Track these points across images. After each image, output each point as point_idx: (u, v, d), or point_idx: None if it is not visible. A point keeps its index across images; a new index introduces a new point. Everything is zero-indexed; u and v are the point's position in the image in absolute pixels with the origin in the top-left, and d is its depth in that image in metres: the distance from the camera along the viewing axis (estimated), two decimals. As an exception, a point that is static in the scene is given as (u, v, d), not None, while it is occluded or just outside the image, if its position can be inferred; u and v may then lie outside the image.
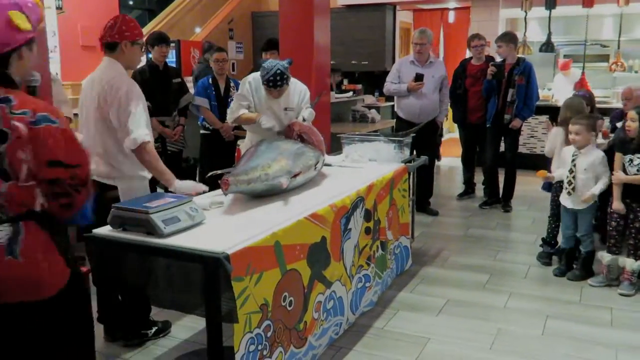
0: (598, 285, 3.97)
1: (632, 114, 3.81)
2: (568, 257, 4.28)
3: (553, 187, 4.49)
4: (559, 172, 4.24)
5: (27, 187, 1.86)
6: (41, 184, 1.86)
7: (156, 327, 3.30)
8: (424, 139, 5.26)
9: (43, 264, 1.91)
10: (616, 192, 3.91)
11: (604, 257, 3.98)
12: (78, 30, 6.55)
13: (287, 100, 3.74)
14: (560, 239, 4.43)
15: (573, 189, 4.08)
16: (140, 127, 2.86)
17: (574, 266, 4.24)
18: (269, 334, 2.49)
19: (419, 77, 5.52)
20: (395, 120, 6.06)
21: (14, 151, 1.83)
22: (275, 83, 3.49)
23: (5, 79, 1.89)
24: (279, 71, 3.45)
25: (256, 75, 3.73)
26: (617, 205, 3.90)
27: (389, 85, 5.76)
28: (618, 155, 3.92)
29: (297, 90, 3.80)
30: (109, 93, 2.88)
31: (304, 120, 3.70)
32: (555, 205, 4.45)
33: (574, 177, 4.08)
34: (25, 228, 1.88)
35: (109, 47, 2.98)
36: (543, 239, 4.65)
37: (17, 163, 1.84)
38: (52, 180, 1.86)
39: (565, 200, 4.19)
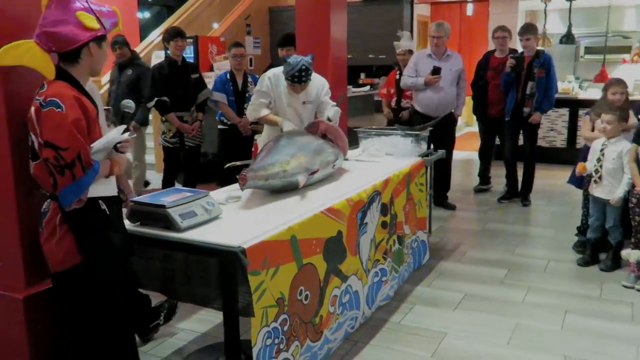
0: (631, 285, 3.85)
1: None
2: (593, 248, 4.25)
3: (585, 178, 4.45)
4: (591, 164, 4.22)
5: (41, 166, 2.11)
6: (44, 163, 2.08)
7: (164, 312, 3.27)
8: (441, 133, 5.23)
9: (51, 240, 2.17)
10: (637, 181, 3.85)
11: (631, 254, 3.90)
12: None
13: (306, 94, 3.76)
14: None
15: (599, 177, 4.07)
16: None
17: (604, 256, 4.22)
18: (285, 328, 2.51)
19: (436, 71, 5.48)
20: (411, 113, 6.03)
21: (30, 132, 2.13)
22: (301, 79, 3.52)
23: (59, 72, 2.14)
24: (304, 67, 3.48)
25: (276, 71, 3.76)
26: None
27: (406, 79, 5.73)
28: (634, 147, 3.87)
29: (316, 83, 3.81)
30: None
31: (329, 119, 3.69)
32: (588, 195, 4.43)
33: (601, 166, 4.07)
34: (52, 205, 2.16)
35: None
36: (578, 228, 4.64)
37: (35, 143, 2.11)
38: (45, 159, 2.07)
39: (593, 189, 4.17)
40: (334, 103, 3.89)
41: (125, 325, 2.38)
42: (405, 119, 5.89)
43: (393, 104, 6.14)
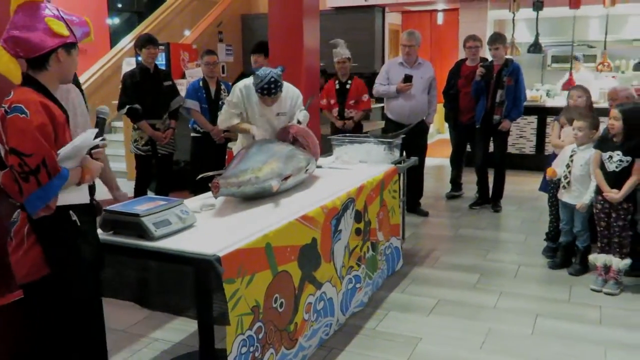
0: (599, 289, 3.93)
1: (614, 112, 3.85)
2: (564, 251, 4.36)
3: (551, 185, 4.55)
4: (560, 169, 4.32)
5: (8, 174, 2.05)
6: (10, 171, 2.04)
7: None
8: (413, 140, 5.29)
9: (18, 250, 2.12)
10: (605, 186, 3.92)
11: (598, 258, 4.00)
12: (67, 34, 6.52)
13: (280, 106, 3.72)
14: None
15: (568, 183, 4.17)
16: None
17: (573, 260, 4.32)
18: (260, 336, 2.50)
19: (407, 78, 5.55)
20: (384, 121, 6.09)
21: None
22: (270, 91, 3.47)
23: (26, 78, 2.12)
24: (272, 79, 3.43)
25: (247, 82, 3.70)
26: (612, 195, 3.85)
27: (378, 87, 5.79)
28: (597, 153, 3.97)
29: (289, 94, 3.79)
30: None
31: (299, 122, 3.70)
32: (555, 201, 4.54)
33: (569, 172, 4.16)
34: (21, 214, 2.12)
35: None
36: (547, 234, 4.73)
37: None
38: (10, 167, 2.02)
39: (562, 195, 4.27)
40: (303, 107, 3.90)
41: (94, 338, 2.33)
42: (349, 129, 5.83)
43: (335, 113, 6.03)
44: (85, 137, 2.15)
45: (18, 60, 2.09)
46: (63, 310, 2.17)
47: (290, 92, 3.80)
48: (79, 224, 2.17)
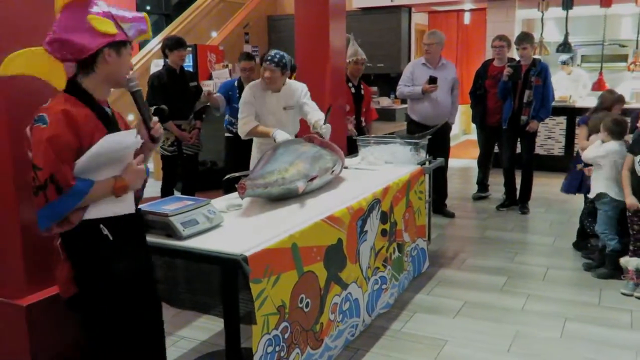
0: (630, 293, 3.86)
1: None
2: (600, 254, 4.30)
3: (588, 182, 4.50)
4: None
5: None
6: None
7: None
8: (437, 141, 5.26)
9: (56, 264, 2.03)
10: (626, 190, 3.89)
11: (630, 262, 3.91)
12: (97, 36, 6.63)
13: (286, 100, 3.93)
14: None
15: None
16: None
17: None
18: (286, 336, 2.51)
19: (432, 80, 5.50)
20: (407, 123, 6.04)
21: None
22: (273, 59, 3.77)
23: (70, 84, 1.98)
24: (279, 54, 3.79)
25: (254, 82, 3.99)
26: (629, 200, 3.88)
27: (402, 88, 5.74)
28: (629, 157, 3.90)
29: (293, 88, 3.99)
30: None
31: (320, 136, 3.70)
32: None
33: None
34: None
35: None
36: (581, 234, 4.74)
37: None
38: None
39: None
40: (317, 110, 3.93)
41: (145, 349, 2.21)
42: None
43: (351, 122, 5.56)
44: (112, 139, 1.94)
45: (67, 63, 1.97)
46: (100, 325, 2.05)
47: (293, 86, 3.99)
48: (111, 238, 1.99)
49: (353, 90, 5.60)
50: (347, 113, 5.48)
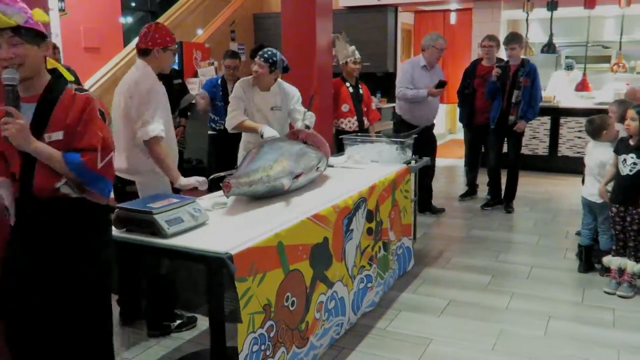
0: (613, 292, 3.90)
1: (631, 112, 3.80)
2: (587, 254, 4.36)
3: None
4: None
5: None
6: None
7: (180, 321, 3.36)
8: (424, 140, 5.28)
9: None
10: (602, 182, 4.04)
11: (612, 261, 3.96)
12: (81, 32, 6.58)
13: (275, 100, 3.92)
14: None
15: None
16: (157, 122, 2.98)
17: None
18: (272, 334, 2.50)
19: (442, 84, 5.45)
20: (394, 122, 6.02)
21: None
22: (263, 54, 3.79)
23: None
24: (270, 50, 3.81)
25: (245, 78, 3.99)
26: (600, 187, 4.02)
27: (404, 91, 5.58)
28: (615, 157, 3.95)
29: (284, 91, 3.98)
30: (134, 88, 3.00)
31: (307, 127, 3.74)
32: None
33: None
34: None
35: (143, 52, 3.13)
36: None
37: None
38: None
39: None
40: (306, 110, 3.93)
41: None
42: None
43: (352, 123, 5.44)
44: None
45: None
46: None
47: (284, 88, 3.98)
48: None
49: (351, 90, 5.48)
50: (347, 114, 5.44)
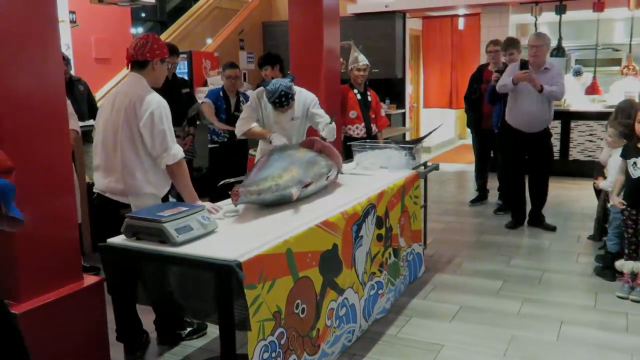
0: (626, 296, 3.85)
1: None
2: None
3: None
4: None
5: None
6: None
7: (191, 328, 3.36)
8: (539, 149, 5.26)
9: None
10: (614, 191, 3.99)
11: (625, 265, 3.92)
12: (92, 43, 6.64)
13: (293, 111, 3.90)
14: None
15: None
16: (175, 144, 2.94)
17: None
18: (282, 342, 2.51)
19: (523, 65, 5.05)
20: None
21: None
22: (282, 103, 3.70)
23: None
24: (282, 92, 3.65)
25: (262, 89, 3.90)
26: (613, 199, 3.97)
27: (501, 85, 5.33)
28: (622, 161, 3.92)
29: (302, 99, 3.96)
30: (139, 108, 2.87)
31: (323, 139, 3.73)
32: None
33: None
34: None
35: (139, 64, 3.00)
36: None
37: None
38: None
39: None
40: (328, 120, 3.92)
41: None
42: None
43: (360, 130, 5.42)
44: None
45: None
46: None
47: (302, 97, 3.96)
48: None
49: (359, 96, 5.43)
50: (355, 120, 5.41)
